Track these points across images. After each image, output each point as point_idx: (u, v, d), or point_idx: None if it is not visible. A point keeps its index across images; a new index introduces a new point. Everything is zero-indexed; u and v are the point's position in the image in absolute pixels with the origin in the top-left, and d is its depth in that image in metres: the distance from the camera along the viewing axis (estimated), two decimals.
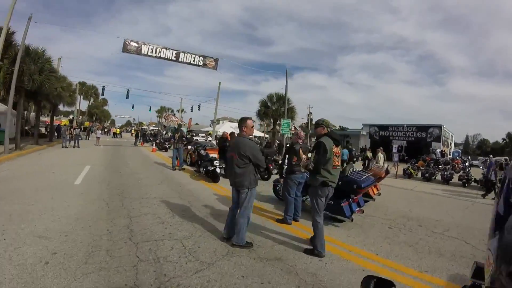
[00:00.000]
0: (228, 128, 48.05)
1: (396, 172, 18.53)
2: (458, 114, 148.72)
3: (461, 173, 18.00)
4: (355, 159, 24.90)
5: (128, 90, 36.26)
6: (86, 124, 52.68)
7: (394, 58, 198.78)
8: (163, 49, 20.41)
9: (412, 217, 8.32)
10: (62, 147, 22.53)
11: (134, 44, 19.73)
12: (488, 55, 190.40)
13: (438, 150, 28.16)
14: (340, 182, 6.73)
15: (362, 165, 19.92)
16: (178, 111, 64.05)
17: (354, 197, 7.09)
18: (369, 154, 20.88)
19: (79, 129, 24.81)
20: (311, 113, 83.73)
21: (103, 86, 43.30)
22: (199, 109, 46.17)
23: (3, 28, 15.16)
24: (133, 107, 59.88)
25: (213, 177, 11.48)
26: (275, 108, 27.69)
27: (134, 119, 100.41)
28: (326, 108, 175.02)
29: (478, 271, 1.36)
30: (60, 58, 28.55)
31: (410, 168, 18.95)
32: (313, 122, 6.56)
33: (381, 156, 18.36)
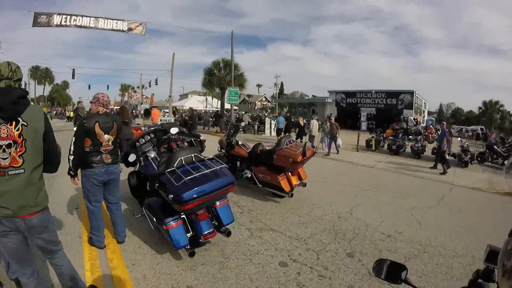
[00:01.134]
0: (196, 102, 44.42)
1: (357, 145, 15.01)
2: (432, 84, 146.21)
3: (435, 145, 14.62)
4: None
5: (73, 69, 34.70)
6: (44, 109, 47.54)
7: (369, 29, 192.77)
8: (78, 17, 18.48)
9: (347, 229, 4.73)
10: None
11: (44, 16, 17.88)
12: (462, 28, 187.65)
13: (412, 118, 24.86)
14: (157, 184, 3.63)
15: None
16: (138, 87, 59.67)
17: (198, 213, 3.39)
18: (302, 121, 16.33)
19: None
20: (282, 83, 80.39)
21: (46, 68, 38.67)
22: (156, 84, 43.66)
23: None
24: (89, 87, 54.37)
25: None
26: (221, 76, 23.24)
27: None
28: (300, 79, 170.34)
29: (492, 255, 1.14)
30: None
31: (373, 139, 15.35)
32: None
33: (315, 123, 14.63)
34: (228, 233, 3.69)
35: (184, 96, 59.20)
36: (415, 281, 3.49)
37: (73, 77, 35.86)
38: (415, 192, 7.59)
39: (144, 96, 62.80)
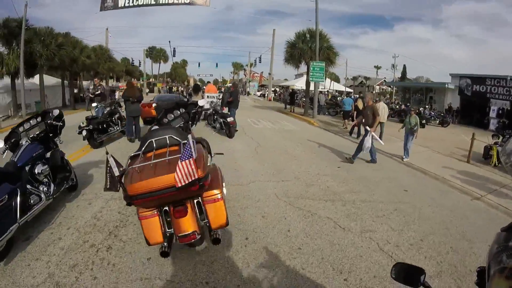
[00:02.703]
0: (303, 82, 42.10)
1: (470, 152, 9.42)
2: None
3: None
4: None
5: (174, 48, 43.37)
6: (159, 85, 52.67)
7: (509, 9, 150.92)
8: None
9: None
10: (87, 110, 20.51)
11: (110, 0, 19.62)
12: None
13: None
14: None
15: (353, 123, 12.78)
16: (246, 65, 60.16)
17: None
18: (361, 103, 12.43)
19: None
20: (404, 66, 69.71)
21: (152, 47, 42.96)
22: (260, 61, 46.47)
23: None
24: (199, 65, 62.31)
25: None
26: (304, 48, 18.80)
27: (222, 77, 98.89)
28: (428, 63, 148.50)
29: None
30: (107, 29, 35.79)
31: (495, 146, 9.34)
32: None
33: (382, 107, 11.17)
34: None
35: (299, 75, 57.51)
36: None
37: (173, 55, 44.47)
38: None
39: (253, 73, 61.94)
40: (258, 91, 51.69)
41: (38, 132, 4.56)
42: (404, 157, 8.87)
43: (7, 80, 19.24)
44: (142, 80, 48.58)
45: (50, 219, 4.26)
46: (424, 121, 16.62)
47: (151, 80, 58.42)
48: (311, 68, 17.57)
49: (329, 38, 19.18)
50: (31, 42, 18.76)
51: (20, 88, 18.30)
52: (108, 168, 2.72)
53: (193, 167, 2.58)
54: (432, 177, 7.55)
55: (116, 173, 2.72)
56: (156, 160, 3.00)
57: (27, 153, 4.29)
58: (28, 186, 4.01)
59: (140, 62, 47.31)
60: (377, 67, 70.82)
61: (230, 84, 17.00)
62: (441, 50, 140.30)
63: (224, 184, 3.53)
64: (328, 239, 3.97)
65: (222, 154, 6.01)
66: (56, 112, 4.86)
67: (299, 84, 38.49)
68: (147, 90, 42.55)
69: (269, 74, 39.67)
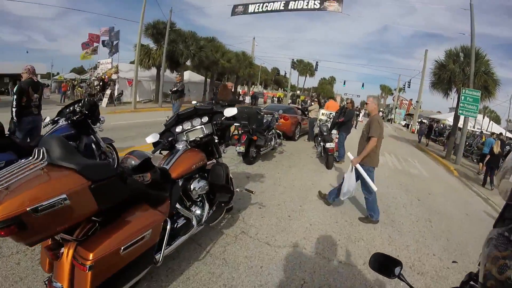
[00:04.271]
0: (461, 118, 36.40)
1: None
2: None
3: None
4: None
5: (317, 62, 42.58)
6: (302, 98, 53.32)
7: None
8: (270, 3, 19.24)
9: None
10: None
11: (241, 6, 20.15)
12: None
13: None
14: None
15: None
16: (395, 90, 54.00)
17: None
18: (497, 146, 10.19)
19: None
20: None
21: (298, 60, 42.75)
22: (409, 86, 39.61)
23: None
24: (344, 83, 62.22)
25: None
26: (456, 70, 14.03)
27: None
28: None
29: None
30: (254, 38, 37.27)
31: None
32: None
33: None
34: None
35: (452, 109, 49.12)
36: None
37: (315, 68, 43.80)
38: None
39: (402, 100, 56.36)
40: (404, 119, 45.81)
41: (77, 116, 4.82)
42: None
43: (154, 71, 22.49)
44: (287, 91, 49.33)
45: None
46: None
47: (297, 92, 58.75)
48: (462, 97, 13.11)
49: (489, 60, 14.23)
50: (175, 42, 21.56)
51: (162, 79, 20.88)
52: None
53: None
54: None
55: None
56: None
57: (57, 131, 4.63)
58: None
59: (285, 73, 48.47)
60: None
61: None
62: None
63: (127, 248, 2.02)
64: None
65: (252, 192, 4.32)
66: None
67: (452, 119, 32.14)
68: (289, 101, 42.96)
69: (417, 102, 34.06)
